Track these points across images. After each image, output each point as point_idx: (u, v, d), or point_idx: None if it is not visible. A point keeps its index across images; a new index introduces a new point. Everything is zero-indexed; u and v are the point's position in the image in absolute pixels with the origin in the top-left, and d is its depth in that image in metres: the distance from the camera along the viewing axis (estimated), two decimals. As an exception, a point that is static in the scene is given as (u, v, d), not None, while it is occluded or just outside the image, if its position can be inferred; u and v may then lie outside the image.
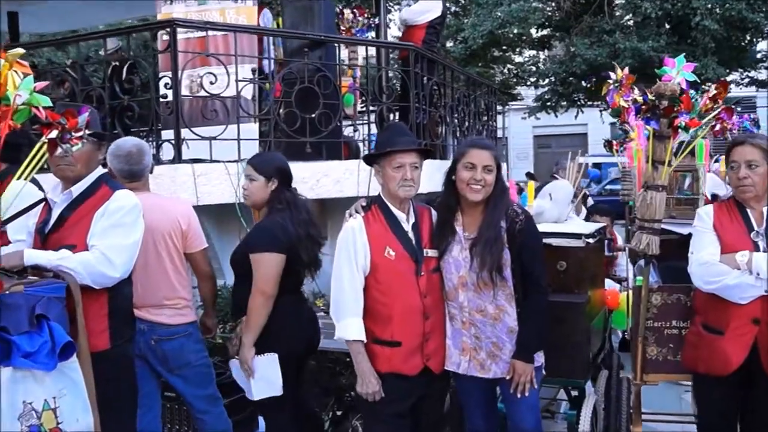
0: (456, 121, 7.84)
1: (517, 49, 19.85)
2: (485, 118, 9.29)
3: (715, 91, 3.22)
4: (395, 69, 6.76)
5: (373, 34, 8.41)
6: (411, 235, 3.18)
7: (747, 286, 2.92)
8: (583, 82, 17.31)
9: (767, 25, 14.46)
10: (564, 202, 4.51)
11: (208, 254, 3.92)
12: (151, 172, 3.75)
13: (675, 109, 3.20)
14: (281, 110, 5.83)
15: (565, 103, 18.04)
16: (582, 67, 15.75)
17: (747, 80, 16.76)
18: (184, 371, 3.68)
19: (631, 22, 16.16)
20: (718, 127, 3.27)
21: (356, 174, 5.85)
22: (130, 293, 3.16)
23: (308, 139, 5.52)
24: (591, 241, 3.88)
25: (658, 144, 3.31)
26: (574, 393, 3.98)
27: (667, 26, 15.38)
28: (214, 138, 5.01)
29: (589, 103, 18.24)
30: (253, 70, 5.79)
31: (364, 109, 7.40)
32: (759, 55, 16.64)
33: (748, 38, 15.40)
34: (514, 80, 20.35)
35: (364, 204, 3.23)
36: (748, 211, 3.09)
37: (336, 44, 6.16)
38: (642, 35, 14.94)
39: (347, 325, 3.09)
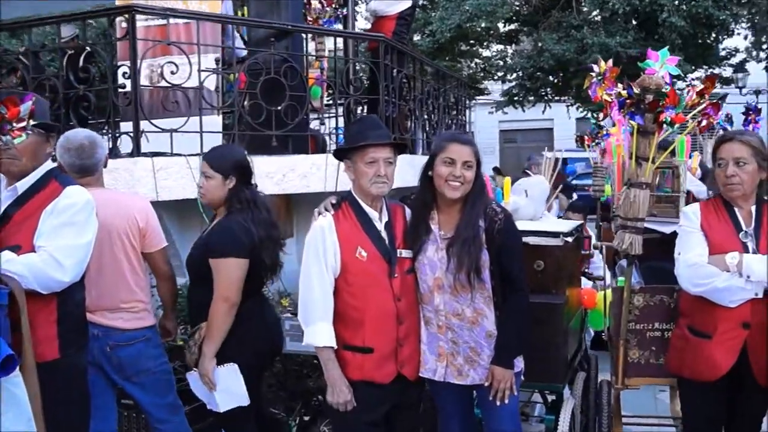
0: (425, 115, 7.71)
1: (485, 44, 19.74)
2: (454, 112, 9.17)
3: (702, 86, 3.09)
4: (364, 60, 6.54)
5: (340, 26, 8.19)
6: (384, 234, 3.01)
7: (737, 289, 2.81)
8: (550, 77, 17.27)
9: (732, 23, 14.57)
10: (540, 198, 4.38)
11: (167, 253, 3.69)
12: (105, 166, 3.50)
13: (660, 103, 3.06)
14: (246, 102, 5.61)
15: (532, 98, 17.99)
16: (550, 62, 15.69)
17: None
18: (143, 378, 3.45)
19: (598, 18, 16.14)
20: (704, 123, 3.15)
21: (323, 169, 5.69)
22: (82, 298, 2.93)
23: (274, 132, 5.32)
24: (569, 239, 3.75)
25: (642, 140, 3.18)
26: (552, 397, 3.85)
27: (635, 22, 15.39)
28: (175, 130, 4.77)
29: (556, 98, 18.23)
30: (217, 60, 5.53)
31: (332, 102, 7.20)
32: (723, 53, 16.77)
33: (714, 35, 15.51)
34: (482, 75, 20.26)
35: (333, 201, 3.04)
36: (736, 210, 2.98)
37: (303, 34, 5.95)
38: (610, 31, 14.93)
39: (316, 330, 2.90)
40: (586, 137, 7.52)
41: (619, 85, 3.16)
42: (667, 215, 3.69)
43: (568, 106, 18.72)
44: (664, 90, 3.09)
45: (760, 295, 2.82)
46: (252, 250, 3.23)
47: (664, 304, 3.34)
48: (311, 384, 4.46)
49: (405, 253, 3.02)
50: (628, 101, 3.09)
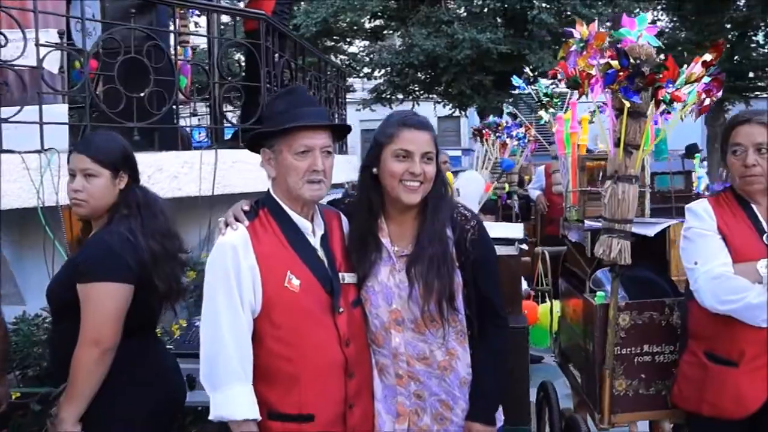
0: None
1: (348, 40, 19.11)
2: (335, 106, 8.42)
3: (710, 57, 2.50)
4: (243, 41, 5.60)
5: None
6: (321, 253, 2.17)
7: None
8: (419, 74, 16.89)
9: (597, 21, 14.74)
10: (474, 197, 3.70)
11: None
12: None
13: (657, 77, 2.45)
14: (100, 87, 4.54)
15: (401, 95, 17.55)
16: (420, 57, 15.27)
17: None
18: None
19: (466, 14, 15.95)
20: (707, 102, 2.58)
21: (197, 168, 4.78)
22: None
23: (136, 124, 4.36)
24: (524, 246, 3.08)
25: (632, 123, 2.55)
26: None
27: (504, 19, 15.29)
28: (6, 120, 3.66)
29: (424, 95, 17.88)
30: (61, 34, 4.40)
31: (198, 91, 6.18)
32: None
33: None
34: (346, 71, 19.61)
35: (246, 208, 2.17)
36: (754, 207, 2.42)
37: (171, 8, 4.93)
38: (479, 27, 14.73)
39: (230, 396, 2.02)
40: (485, 131, 7.00)
41: (606, 54, 2.50)
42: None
43: (435, 104, 18.44)
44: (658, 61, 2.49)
45: (797, 312, 2.26)
46: (140, 273, 2.35)
47: (654, 323, 2.74)
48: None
49: (348, 278, 2.21)
50: (620, 74, 2.44)
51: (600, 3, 14.39)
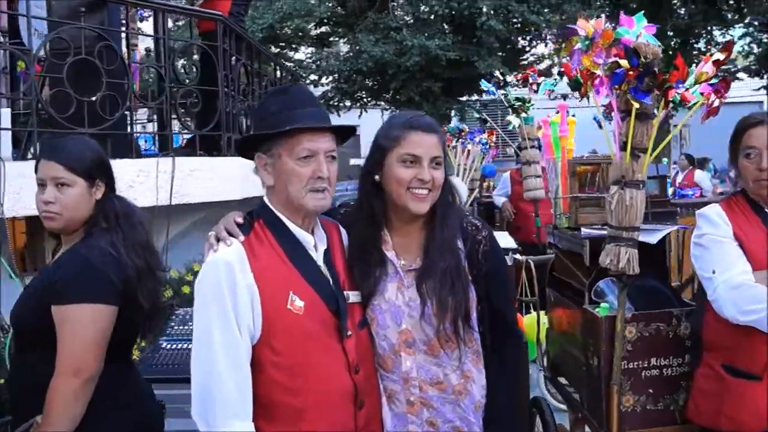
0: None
1: (294, 46, 18.83)
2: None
3: (721, 56, 2.38)
4: (201, 43, 5.32)
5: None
6: (324, 269, 1.95)
7: None
8: (367, 81, 16.71)
9: (545, 28, 14.95)
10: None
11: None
12: None
13: (665, 77, 2.33)
14: (47, 90, 4.21)
15: (349, 102, 17.35)
16: (368, 64, 15.11)
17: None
18: None
19: (414, 20, 15.88)
20: (716, 103, 2.46)
21: (153, 176, 4.50)
22: None
23: (87, 131, 4.05)
24: (518, 257, 2.93)
25: (640, 125, 2.42)
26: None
27: (452, 26, 15.28)
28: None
29: (372, 102, 17.72)
30: (3, 33, 4.07)
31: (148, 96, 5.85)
32: (533, 57, 17.24)
33: (528, 41, 15.90)
34: (291, 78, 19.28)
35: (240, 220, 1.93)
36: None
37: (125, 7, 4.63)
38: (428, 33, 14.68)
39: None
40: (446, 137, 6.87)
41: (612, 52, 2.36)
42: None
43: (382, 111, 18.29)
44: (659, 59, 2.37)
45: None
46: (123, 289, 2.13)
47: (662, 335, 2.61)
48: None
49: (353, 297, 2.00)
50: (630, 73, 2.31)
51: (547, 10, 14.52)
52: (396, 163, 2.01)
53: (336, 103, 17.39)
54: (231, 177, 5.17)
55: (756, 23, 17.30)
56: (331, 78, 17.08)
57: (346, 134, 2.02)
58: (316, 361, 1.85)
